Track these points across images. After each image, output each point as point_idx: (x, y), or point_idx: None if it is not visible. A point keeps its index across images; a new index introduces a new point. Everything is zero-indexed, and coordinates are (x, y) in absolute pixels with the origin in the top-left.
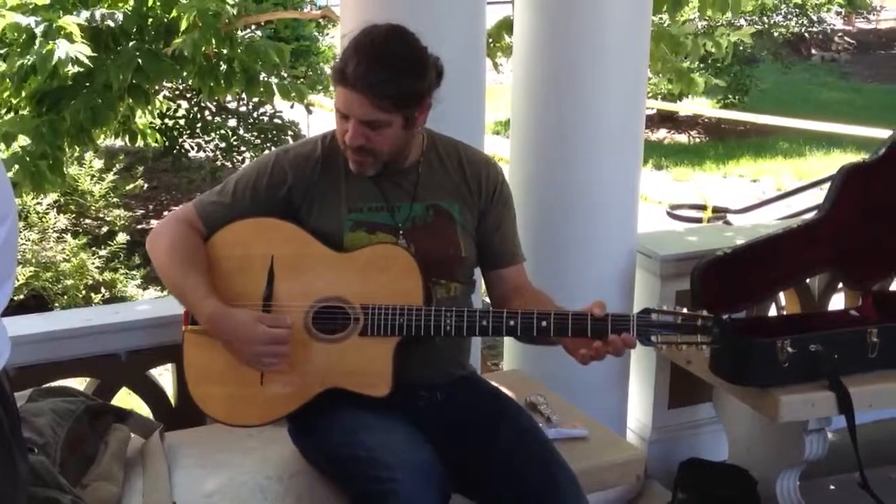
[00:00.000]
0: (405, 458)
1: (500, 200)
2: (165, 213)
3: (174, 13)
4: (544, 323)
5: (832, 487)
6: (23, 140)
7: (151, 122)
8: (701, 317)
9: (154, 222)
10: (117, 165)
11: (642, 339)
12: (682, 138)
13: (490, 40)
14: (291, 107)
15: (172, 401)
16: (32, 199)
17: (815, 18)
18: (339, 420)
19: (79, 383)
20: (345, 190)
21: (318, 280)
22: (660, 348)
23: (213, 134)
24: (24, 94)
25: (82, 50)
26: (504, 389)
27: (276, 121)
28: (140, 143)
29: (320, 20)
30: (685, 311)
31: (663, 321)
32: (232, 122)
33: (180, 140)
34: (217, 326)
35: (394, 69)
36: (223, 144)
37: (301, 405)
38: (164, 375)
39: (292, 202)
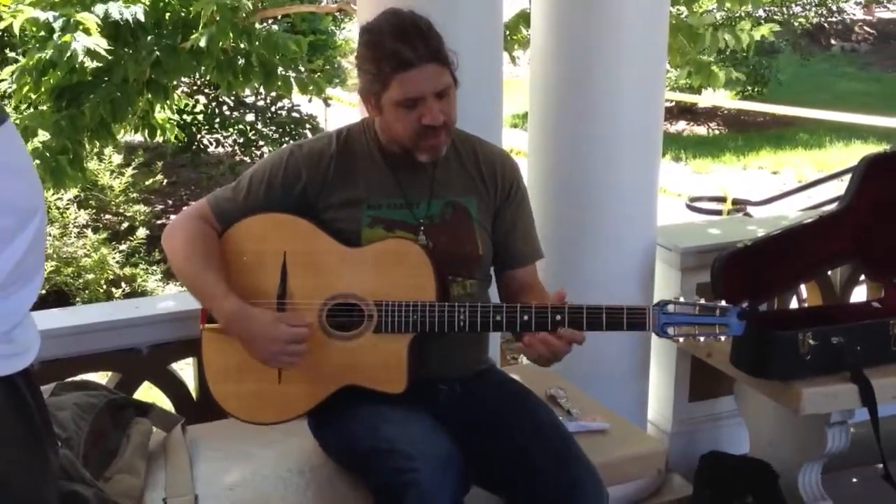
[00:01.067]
0: (425, 449)
1: (517, 199)
2: (185, 207)
3: (192, 8)
4: (559, 317)
5: (855, 480)
6: (42, 135)
7: (171, 118)
8: (719, 307)
9: (174, 217)
10: (136, 161)
11: (659, 332)
12: (702, 130)
13: (507, 33)
14: (309, 101)
15: (194, 394)
16: (53, 194)
17: (834, 9)
18: (358, 414)
19: (101, 377)
20: (363, 186)
21: (331, 276)
22: (677, 341)
23: (231, 129)
24: (43, 89)
25: (100, 42)
26: (524, 383)
27: (293, 115)
28: (160, 138)
29: (337, 14)
30: (702, 301)
31: (680, 312)
32: (250, 117)
33: (199, 135)
34: (236, 325)
35: (438, 36)
36: (241, 139)
37: (318, 403)
38: (185, 370)
39: (307, 197)
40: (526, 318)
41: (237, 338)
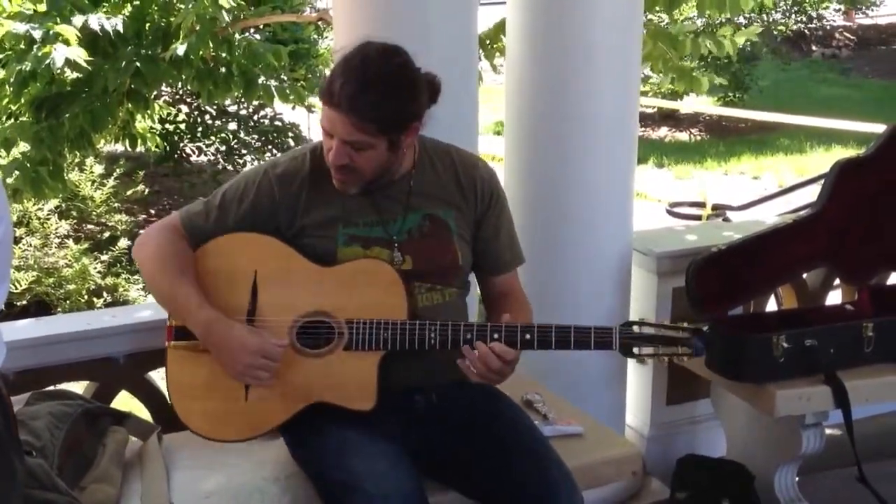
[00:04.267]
0: (388, 486)
1: (496, 207)
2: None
3: (172, 18)
4: (528, 336)
5: (830, 482)
6: (23, 146)
7: (152, 127)
8: (682, 328)
9: (143, 230)
10: (118, 171)
11: (625, 352)
12: (683, 136)
13: (488, 42)
14: (293, 108)
15: (167, 395)
16: (34, 205)
17: (814, 15)
18: (329, 439)
19: (78, 387)
20: (338, 204)
21: (301, 294)
22: (643, 360)
23: (213, 138)
24: (23, 100)
25: (80, 54)
26: (500, 388)
27: (276, 123)
28: (141, 147)
29: (318, 23)
30: (667, 322)
31: (646, 334)
32: (232, 126)
33: (181, 144)
34: (211, 336)
35: (380, 92)
36: (224, 148)
37: (286, 420)
38: (162, 379)
39: (279, 218)
40: (496, 336)
41: (211, 347)
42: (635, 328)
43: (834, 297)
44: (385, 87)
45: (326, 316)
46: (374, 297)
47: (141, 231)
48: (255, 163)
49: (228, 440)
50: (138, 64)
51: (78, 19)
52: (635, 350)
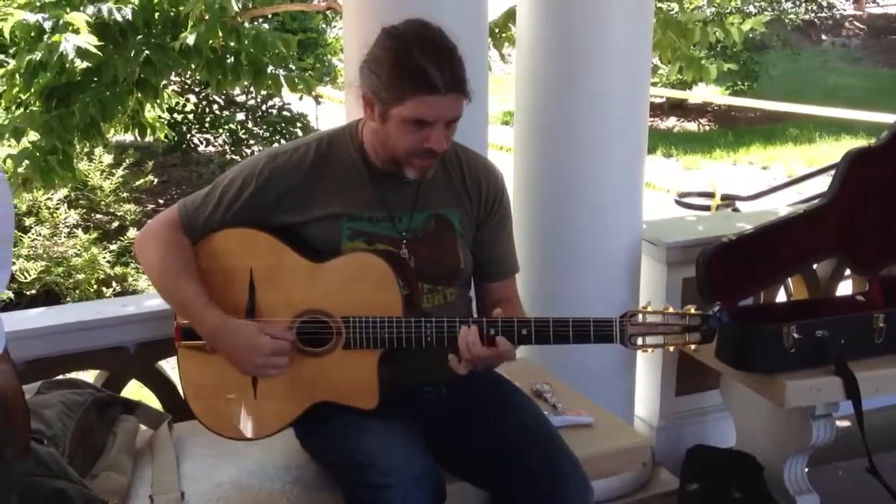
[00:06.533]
0: (401, 464)
1: (499, 213)
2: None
3: (181, 7)
4: (525, 331)
5: (840, 473)
6: (33, 136)
7: (161, 117)
8: (688, 315)
9: (144, 227)
10: (127, 160)
11: (626, 344)
12: (692, 126)
13: (497, 31)
14: (300, 99)
15: (181, 392)
16: (43, 194)
17: (824, 4)
18: (340, 424)
19: (88, 376)
20: (343, 198)
21: (298, 292)
22: (646, 351)
23: (221, 128)
24: (33, 90)
25: (90, 40)
26: (509, 378)
27: (284, 114)
28: (150, 137)
29: (327, 12)
30: (671, 309)
31: (649, 323)
32: (241, 116)
33: (189, 134)
34: (219, 338)
35: (462, 63)
36: (232, 138)
37: (294, 419)
38: (173, 368)
39: (280, 210)
40: (493, 331)
41: (220, 351)
42: (639, 317)
43: (844, 288)
44: (457, 54)
45: (323, 314)
46: (368, 293)
47: (149, 220)
48: None
49: (244, 439)
50: (148, 52)
51: (89, 9)
52: (639, 341)
